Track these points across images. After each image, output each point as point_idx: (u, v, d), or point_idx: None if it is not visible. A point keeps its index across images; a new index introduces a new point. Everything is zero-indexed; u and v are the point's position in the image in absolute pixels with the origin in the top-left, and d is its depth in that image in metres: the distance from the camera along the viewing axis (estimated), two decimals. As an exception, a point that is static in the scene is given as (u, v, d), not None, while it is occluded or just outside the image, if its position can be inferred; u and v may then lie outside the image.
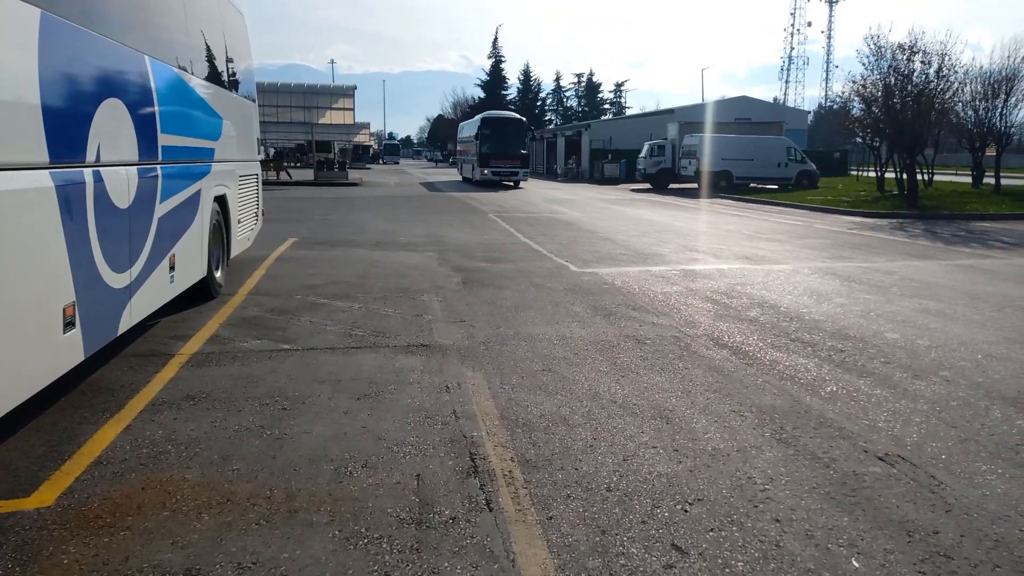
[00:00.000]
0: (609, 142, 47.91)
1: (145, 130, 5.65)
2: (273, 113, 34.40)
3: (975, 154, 29.15)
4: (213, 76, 7.96)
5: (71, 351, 4.26)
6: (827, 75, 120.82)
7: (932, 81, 23.20)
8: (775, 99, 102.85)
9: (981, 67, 26.92)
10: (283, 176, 34.50)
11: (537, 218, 18.78)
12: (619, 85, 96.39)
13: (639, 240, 14.11)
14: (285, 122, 36.70)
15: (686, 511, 3.43)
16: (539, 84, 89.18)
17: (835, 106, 54.76)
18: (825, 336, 6.73)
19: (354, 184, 33.93)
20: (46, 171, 3.98)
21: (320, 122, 36.63)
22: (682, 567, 2.98)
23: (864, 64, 24.70)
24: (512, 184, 35.46)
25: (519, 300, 8.19)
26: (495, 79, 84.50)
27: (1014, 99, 26.52)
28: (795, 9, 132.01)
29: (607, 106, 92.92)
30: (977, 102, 26.92)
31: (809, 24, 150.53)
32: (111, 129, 4.92)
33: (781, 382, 5.38)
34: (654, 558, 3.04)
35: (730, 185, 31.93)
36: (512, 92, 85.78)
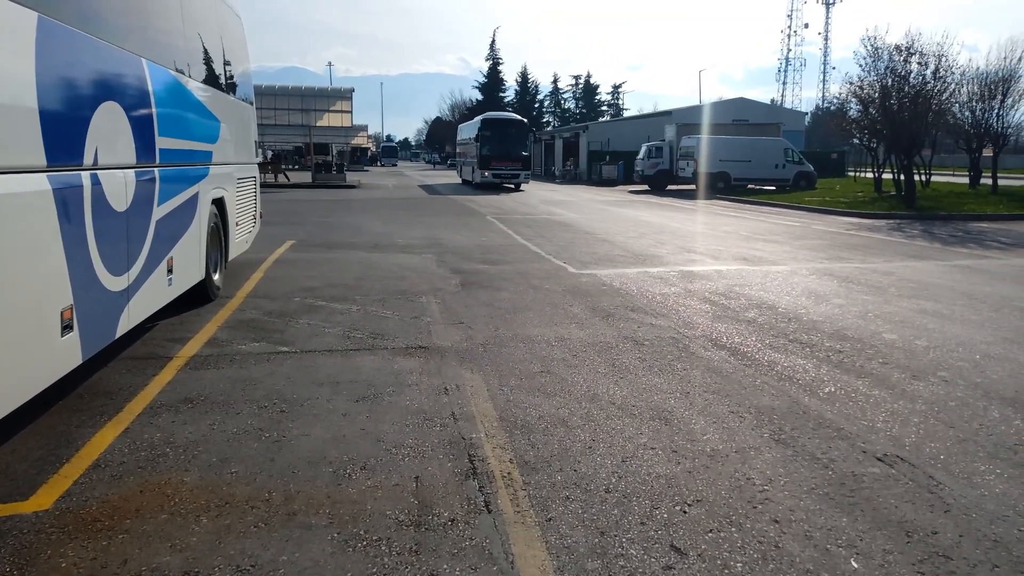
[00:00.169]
0: (607, 144, 47.96)
1: (142, 133, 5.65)
2: (271, 116, 34.46)
3: (972, 155, 29.18)
4: (211, 79, 7.96)
5: (69, 354, 4.26)
6: (824, 76, 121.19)
7: (929, 82, 23.26)
8: (772, 100, 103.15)
9: (978, 68, 27.02)
10: (281, 179, 34.48)
11: (535, 220, 18.79)
12: (617, 87, 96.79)
13: (637, 241, 14.12)
14: (283, 124, 36.73)
15: (685, 512, 3.43)
16: (537, 86, 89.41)
17: (832, 107, 54.79)
18: (823, 337, 6.73)
19: (352, 186, 33.93)
20: (43, 174, 3.97)
21: (318, 124, 36.70)
22: (681, 568, 2.98)
23: (861, 65, 24.79)
24: (513, 187, 35.01)
25: (517, 302, 8.19)
26: (493, 81, 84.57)
27: (1010, 100, 26.58)
28: (792, 11, 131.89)
29: (605, 108, 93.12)
30: (974, 103, 26.99)
31: (806, 26, 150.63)
32: (108, 132, 4.92)
33: (780, 383, 5.39)
34: (653, 559, 3.04)
35: (728, 186, 31.96)
36: (510, 94, 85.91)
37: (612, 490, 3.64)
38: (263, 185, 14.59)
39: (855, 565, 3.01)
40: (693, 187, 32.59)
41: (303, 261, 11.06)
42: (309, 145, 40.02)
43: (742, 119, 43.32)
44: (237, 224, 9.07)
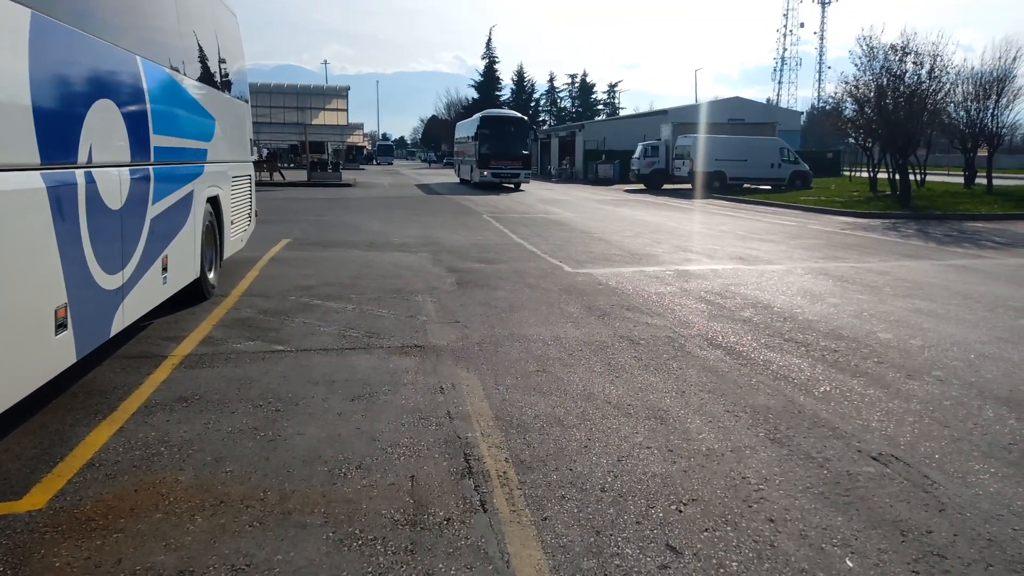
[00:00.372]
0: (603, 143, 47.96)
1: (137, 131, 5.63)
2: (266, 114, 34.36)
3: (967, 154, 29.27)
4: (206, 77, 7.94)
5: (63, 353, 4.24)
6: (820, 76, 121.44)
7: (924, 82, 23.35)
8: (768, 100, 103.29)
9: (973, 68, 27.11)
10: (276, 177, 34.43)
11: (531, 219, 18.79)
12: (613, 86, 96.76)
13: (633, 241, 14.12)
14: (278, 123, 36.64)
15: (680, 511, 3.44)
16: (533, 85, 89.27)
17: (828, 107, 54.95)
18: (819, 336, 6.74)
19: (348, 185, 33.87)
20: (37, 172, 3.95)
21: (313, 123, 36.56)
22: (677, 567, 2.98)
23: (856, 65, 24.87)
24: (513, 186, 34.10)
25: (513, 301, 8.19)
26: (489, 80, 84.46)
27: (1005, 100, 26.69)
28: (788, 10, 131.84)
29: (601, 107, 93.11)
30: (969, 103, 27.08)
31: (802, 25, 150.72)
32: (103, 130, 4.90)
33: (775, 382, 5.39)
34: (649, 559, 3.04)
35: (723, 186, 32.00)
36: (506, 93, 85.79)
37: (608, 489, 3.64)
38: (258, 183, 14.56)
39: (850, 564, 3.02)
40: (689, 186, 32.64)
41: (299, 260, 11.04)
42: (305, 143, 39.93)
43: (738, 118, 43.39)
44: (232, 222, 9.04)
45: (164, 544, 3.08)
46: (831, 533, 3.26)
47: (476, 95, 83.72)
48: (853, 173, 42.32)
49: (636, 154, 37.69)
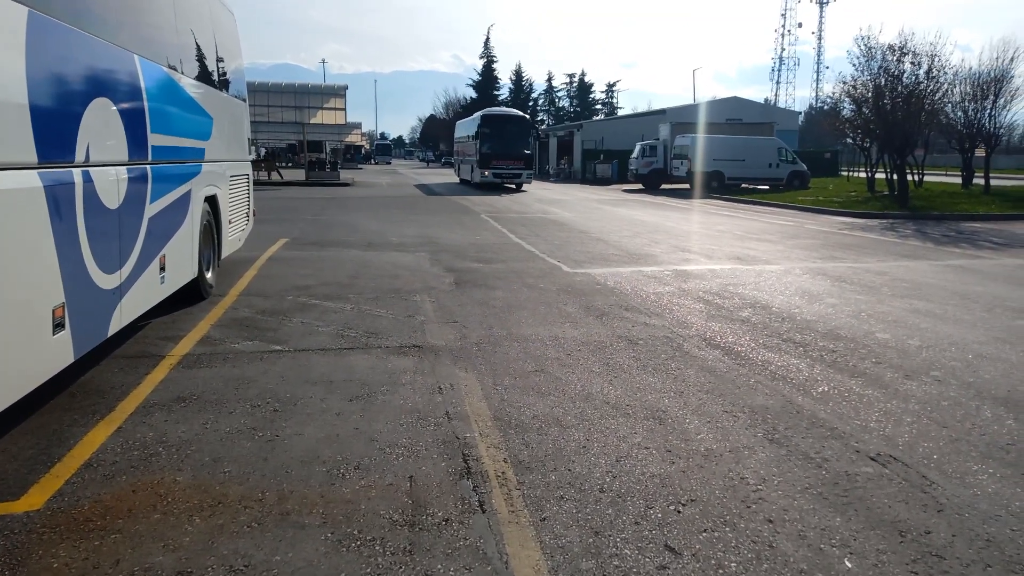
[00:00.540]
0: (601, 142, 47.95)
1: (135, 130, 5.61)
2: (264, 113, 34.21)
3: (965, 155, 29.30)
4: (203, 75, 7.92)
5: (61, 353, 4.23)
6: (818, 76, 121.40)
7: (922, 82, 23.37)
8: (766, 100, 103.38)
9: (970, 68, 27.11)
10: (274, 176, 34.40)
11: (529, 219, 18.78)
12: (611, 85, 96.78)
13: (631, 240, 14.13)
14: (276, 122, 36.50)
15: (679, 512, 3.43)
16: (531, 84, 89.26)
17: (826, 107, 55.09)
18: (817, 336, 6.75)
19: (346, 184, 33.84)
20: (34, 171, 3.94)
21: (311, 122, 36.42)
22: (675, 568, 2.98)
23: (854, 65, 24.92)
24: (514, 187, 33.23)
25: (512, 301, 8.18)
26: (487, 79, 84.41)
27: (1003, 100, 26.72)
28: (786, 10, 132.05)
29: (599, 106, 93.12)
30: (966, 103, 27.10)
31: (800, 25, 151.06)
32: (100, 129, 4.88)
33: (773, 382, 5.39)
34: (647, 559, 3.04)
35: (721, 186, 32.03)
36: (504, 92, 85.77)
37: (606, 490, 3.64)
38: (256, 183, 14.54)
39: (848, 565, 3.02)
40: (687, 186, 32.66)
41: (297, 259, 11.03)
42: (303, 143, 39.87)
43: (736, 118, 43.41)
44: (230, 222, 9.03)
45: (162, 545, 3.07)
46: (830, 533, 3.26)
47: (474, 94, 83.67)
48: (851, 173, 42.36)
49: (634, 154, 37.70)
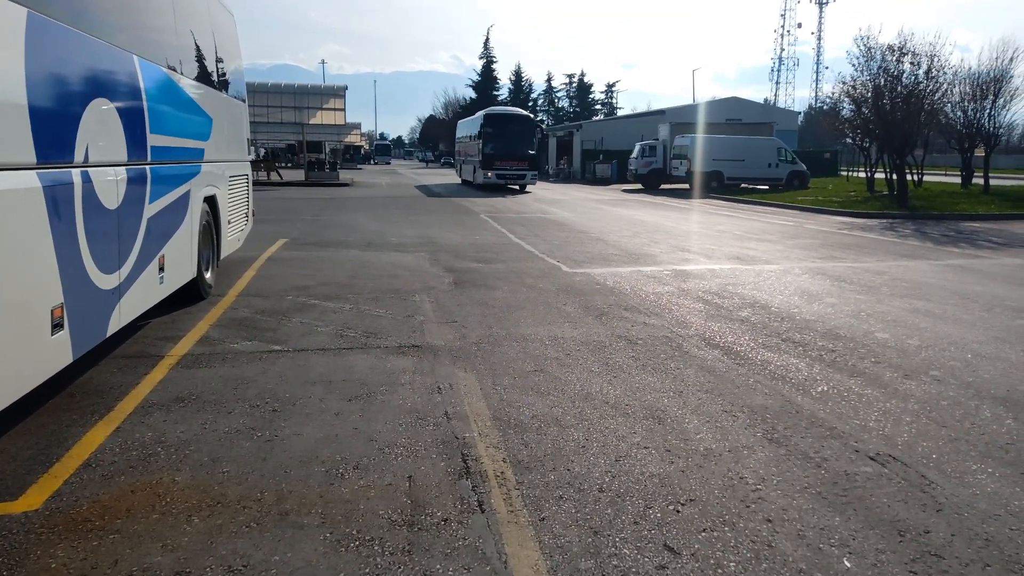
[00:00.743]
0: (600, 143, 47.98)
1: (134, 130, 5.61)
2: (263, 113, 34.18)
3: (964, 155, 29.32)
4: (203, 76, 7.92)
5: (59, 353, 4.23)
6: (817, 76, 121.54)
7: (921, 82, 23.39)
8: (765, 100, 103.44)
9: (970, 68, 27.13)
10: (274, 177, 34.38)
11: (529, 219, 18.78)
12: (610, 86, 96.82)
13: (630, 240, 14.13)
14: (275, 122, 36.48)
15: (678, 512, 3.43)
16: (531, 84, 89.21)
17: (825, 107, 55.08)
18: (816, 336, 6.75)
19: (345, 185, 33.85)
20: (33, 172, 3.94)
21: (311, 122, 36.39)
22: (674, 568, 2.98)
23: (854, 65, 24.92)
24: (518, 188, 32.28)
25: (511, 301, 8.18)
26: (486, 79, 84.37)
27: (1002, 100, 26.71)
28: (785, 11, 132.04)
29: (598, 107, 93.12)
30: (966, 103, 27.11)
31: (799, 25, 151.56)
32: (99, 129, 4.88)
33: (772, 382, 5.39)
34: (647, 559, 3.03)
35: (721, 185, 32.04)
36: (504, 92, 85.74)
37: (605, 489, 3.63)
38: (256, 183, 14.54)
39: (848, 564, 3.02)
40: (687, 186, 32.66)
41: (296, 259, 11.03)
42: (302, 143, 39.86)
43: (735, 118, 43.44)
44: (229, 222, 9.03)
45: (161, 545, 3.07)
46: (829, 533, 3.26)
47: (474, 95, 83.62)
48: (850, 173, 42.37)
49: (634, 154, 37.71)
